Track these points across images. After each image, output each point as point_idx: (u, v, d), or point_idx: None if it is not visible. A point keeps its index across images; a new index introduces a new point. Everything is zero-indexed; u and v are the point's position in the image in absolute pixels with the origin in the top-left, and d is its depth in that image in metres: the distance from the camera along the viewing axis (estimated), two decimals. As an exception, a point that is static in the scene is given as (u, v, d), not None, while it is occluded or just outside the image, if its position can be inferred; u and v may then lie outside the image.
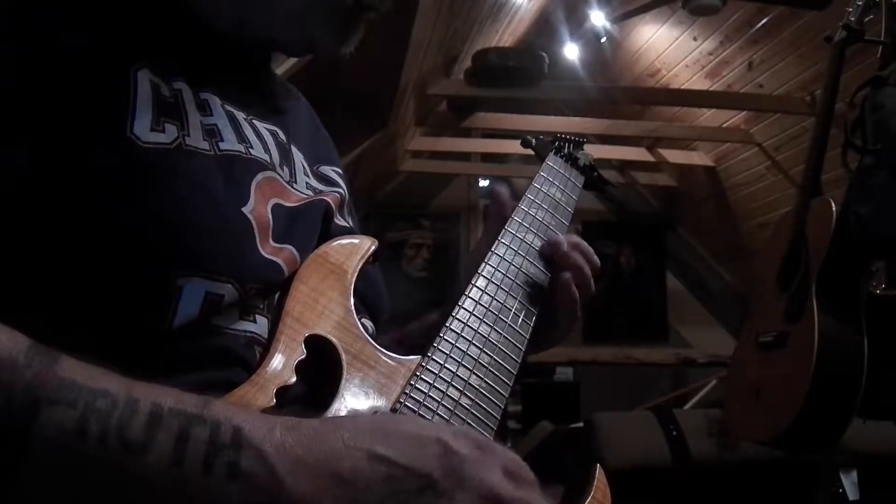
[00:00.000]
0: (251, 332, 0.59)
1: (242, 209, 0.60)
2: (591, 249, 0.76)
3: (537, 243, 0.77)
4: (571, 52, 4.18)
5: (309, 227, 0.67)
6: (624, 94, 4.23)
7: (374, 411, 0.56)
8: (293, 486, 0.43)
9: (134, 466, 0.41)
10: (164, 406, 0.43)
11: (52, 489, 0.40)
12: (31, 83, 0.53)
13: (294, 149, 0.73)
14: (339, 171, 0.80)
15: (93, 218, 0.53)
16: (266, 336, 0.60)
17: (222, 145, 0.61)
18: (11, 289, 0.52)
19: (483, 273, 0.70)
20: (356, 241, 0.70)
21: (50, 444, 0.40)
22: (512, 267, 0.73)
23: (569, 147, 0.95)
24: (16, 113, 0.52)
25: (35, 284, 0.53)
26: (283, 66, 2.10)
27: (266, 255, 0.60)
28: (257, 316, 0.60)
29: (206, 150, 0.59)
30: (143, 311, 0.53)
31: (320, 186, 0.74)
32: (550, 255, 0.76)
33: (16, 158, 0.52)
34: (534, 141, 0.96)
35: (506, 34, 4.06)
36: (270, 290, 0.62)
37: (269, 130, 0.69)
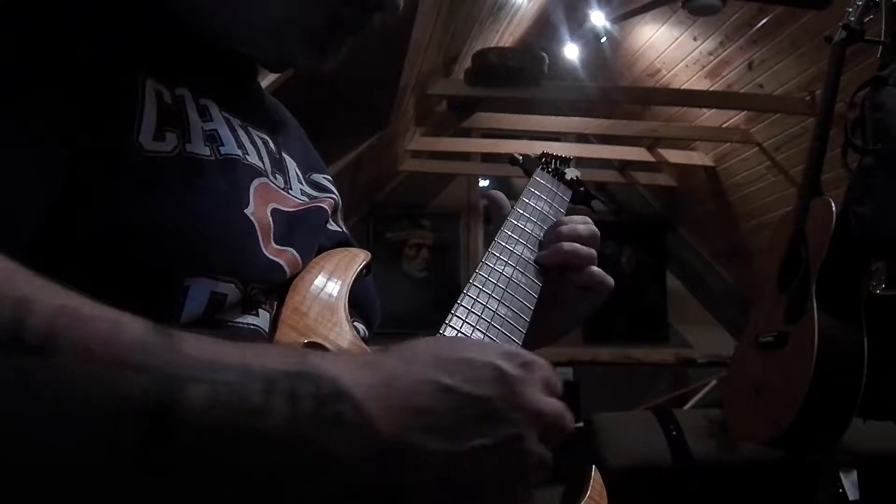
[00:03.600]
0: (254, 324, 0.61)
1: (245, 211, 0.61)
2: (581, 227, 0.83)
3: (527, 254, 0.80)
4: (571, 52, 4.19)
5: (308, 231, 0.69)
6: (624, 94, 4.23)
7: None
8: (383, 425, 0.46)
9: (262, 429, 0.43)
10: (274, 369, 0.45)
11: (199, 459, 0.42)
12: (48, 88, 0.54)
13: (286, 157, 0.74)
14: (330, 178, 0.82)
15: (101, 223, 0.54)
16: (268, 329, 0.62)
17: (223, 150, 0.62)
18: None
19: (475, 282, 0.72)
20: (352, 252, 0.72)
21: (193, 416, 0.42)
22: (503, 276, 0.75)
23: (555, 163, 0.98)
24: (39, 118, 0.53)
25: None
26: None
27: (269, 256, 0.62)
28: (259, 309, 0.62)
29: (207, 156, 0.61)
30: (150, 310, 0.54)
31: (314, 193, 0.76)
32: (545, 263, 0.81)
33: (49, 164, 0.52)
34: (521, 158, 0.99)
35: (506, 34, 4.06)
36: (273, 289, 0.63)
37: (260, 139, 0.70)
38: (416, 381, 0.48)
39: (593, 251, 0.83)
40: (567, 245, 0.81)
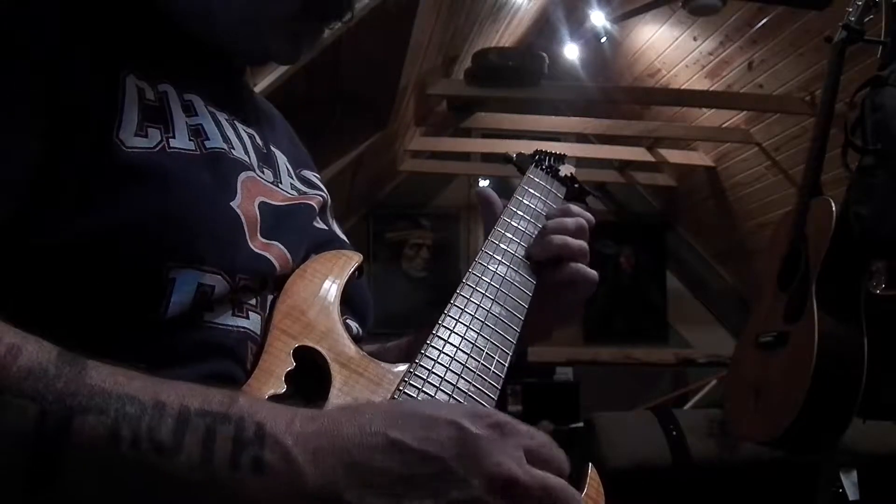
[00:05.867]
0: (244, 327, 0.60)
1: (231, 203, 0.61)
2: (567, 220, 0.79)
3: (520, 252, 0.79)
4: (571, 52, 4.18)
5: (296, 226, 0.69)
6: (624, 94, 4.23)
7: None
8: (313, 476, 0.44)
9: (166, 467, 0.42)
10: (191, 407, 0.44)
11: (88, 494, 0.41)
12: (27, 86, 0.54)
13: (275, 151, 0.74)
14: (319, 176, 0.82)
15: (84, 220, 0.53)
16: (259, 333, 0.61)
17: (208, 144, 0.62)
18: (7, 282, 0.52)
19: (468, 282, 0.72)
20: (344, 254, 0.72)
21: (85, 450, 0.41)
22: (496, 275, 0.74)
23: (549, 160, 0.97)
24: (18, 116, 0.53)
25: (31, 278, 0.53)
26: (283, 66, 2.10)
27: (255, 249, 0.61)
28: (250, 312, 0.61)
29: (192, 150, 0.60)
30: (137, 302, 0.54)
31: (304, 188, 0.75)
32: (544, 256, 0.78)
33: (26, 159, 0.53)
34: (514, 156, 0.99)
35: (506, 34, 4.06)
36: (261, 285, 0.63)
37: (247, 133, 0.70)
38: (358, 433, 0.46)
39: (583, 244, 0.79)
40: (557, 238, 0.77)
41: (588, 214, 0.81)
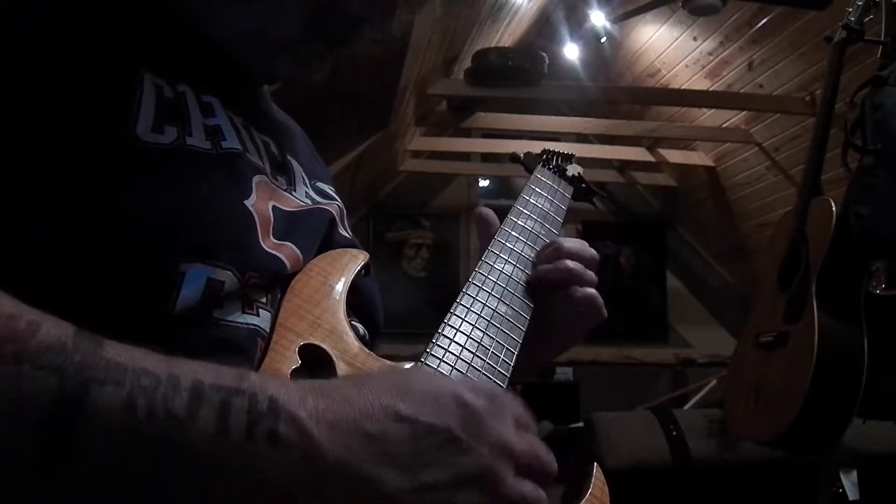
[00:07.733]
0: (253, 324, 0.60)
1: (245, 202, 0.61)
2: (582, 247, 0.78)
3: (527, 252, 0.78)
4: (571, 52, 4.19)
5: (310, 230, 0.69)
6: (624, 94, 4.23)
7: None
8: (328, 448, 0.45)
9: (181, 438, 0.42)
10: (205, 381, 0.44)
11: (104, 465, 0.42)
12: (35, 79, 0.53)
13: (292, 160, 0.74)
14: (333, 188, 0.82)
15: (98, 211, 0.53)
16: (269, 330, 0.61)
17: (224, 144, 0.62)
18: (15, 273, 0.52)
19: (474, 281, 0.72)
20: (350, 253, 0.72)
21: (102, 420, 0.41)
22: (503, 274, 0.74)
23: (557, 159, 0.97)
24: (23, 106, 0.52)
25: (41, 271, 0.53)
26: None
27: (267, 249, 0.62)
28: (260, 310, 0.62)
29: (208, 149, 0.60)
30: (146, 296, 0.55)
31: (318, 198, 0.75)
32: (544, 278, 0.76)
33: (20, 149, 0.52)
34: (522, 156, 0.98)
35: (506, 34, 4.06)
36: (272, 283, 0.63)
37: (262, 140, 0.70)
38: (369, 406, 0.47)
39: (594, 275, 0.78)
40: (571, 263, 0.76)
41: (593, 251, 0.79)
